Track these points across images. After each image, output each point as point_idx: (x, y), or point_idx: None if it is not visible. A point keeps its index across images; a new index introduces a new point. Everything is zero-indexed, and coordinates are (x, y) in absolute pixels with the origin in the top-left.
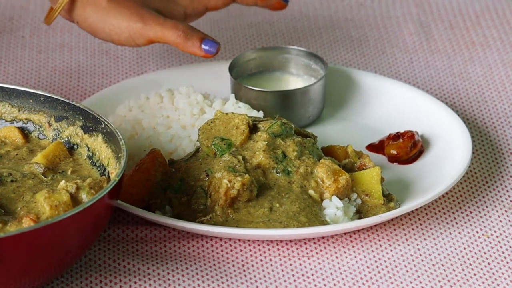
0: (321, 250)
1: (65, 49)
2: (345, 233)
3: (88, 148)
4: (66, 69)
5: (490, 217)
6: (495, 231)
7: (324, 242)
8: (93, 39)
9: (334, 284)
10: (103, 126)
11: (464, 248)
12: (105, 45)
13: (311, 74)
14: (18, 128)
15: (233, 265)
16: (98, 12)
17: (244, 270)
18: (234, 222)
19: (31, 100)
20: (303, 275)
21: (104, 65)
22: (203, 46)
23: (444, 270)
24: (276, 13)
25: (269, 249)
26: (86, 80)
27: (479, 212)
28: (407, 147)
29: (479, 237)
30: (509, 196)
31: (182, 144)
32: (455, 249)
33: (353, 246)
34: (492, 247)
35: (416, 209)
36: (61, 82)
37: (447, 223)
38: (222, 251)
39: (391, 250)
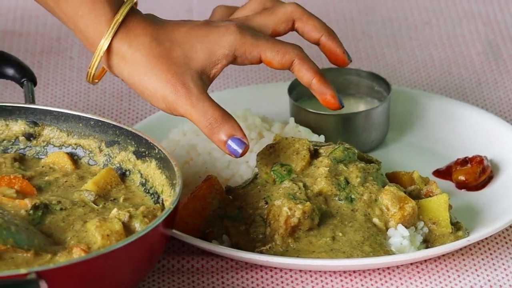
0: (386, 281)
1: None
2: (411, 263)
3: (141, 174)
4: (116, 91)
5: None
6: None
7: (389, 273)
8: None
9: None
10: (156, 151)
11: None
12: None
13: (374, 96)
14: (67, 153)
15: None
16: (136, 70)
17: None
18: (295, 252)
19: (80, 124)
20: None
21: None
22: (228, 143)
23: None
24: (337, 32)
25: (331, 280)
26: (137, 103)
27: None
28: (476, 173)
29: None
30: None
31: (240, 170)
32: None
33: (420, 277)
34: None
35: (486, 238)
36: (112, 105)
37: None
38: (282, 282)
39: (460, 281)
